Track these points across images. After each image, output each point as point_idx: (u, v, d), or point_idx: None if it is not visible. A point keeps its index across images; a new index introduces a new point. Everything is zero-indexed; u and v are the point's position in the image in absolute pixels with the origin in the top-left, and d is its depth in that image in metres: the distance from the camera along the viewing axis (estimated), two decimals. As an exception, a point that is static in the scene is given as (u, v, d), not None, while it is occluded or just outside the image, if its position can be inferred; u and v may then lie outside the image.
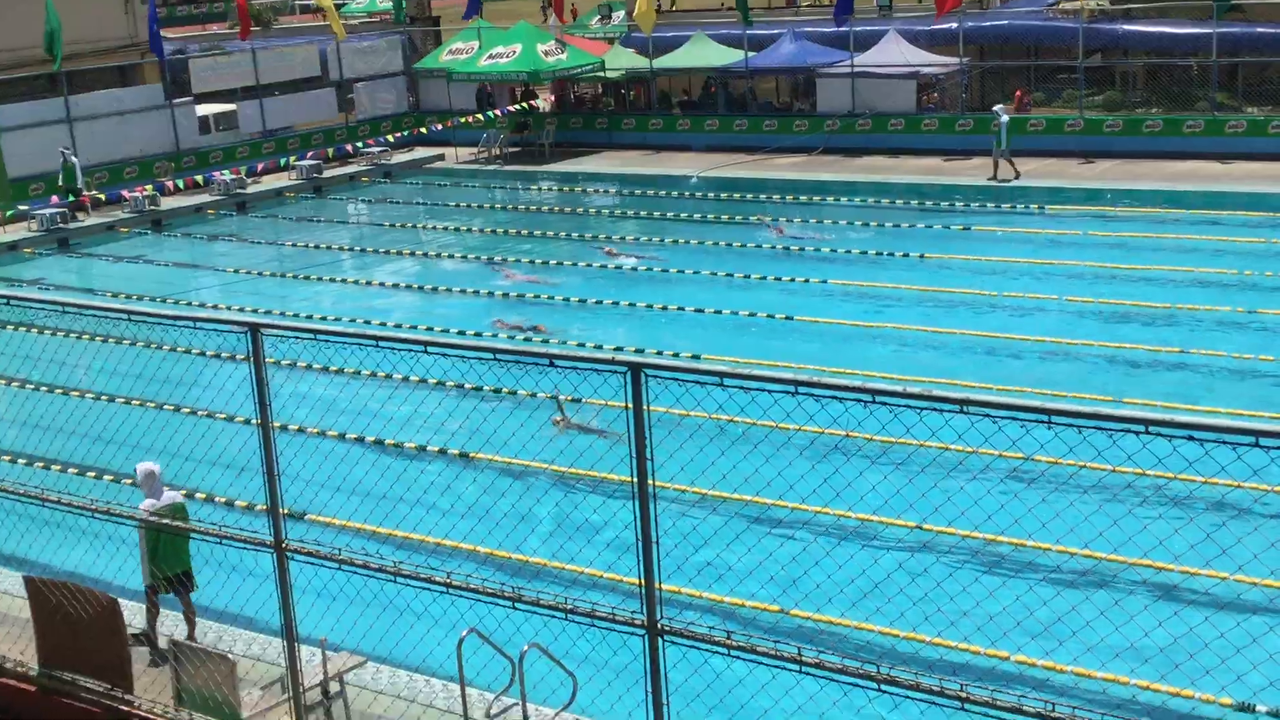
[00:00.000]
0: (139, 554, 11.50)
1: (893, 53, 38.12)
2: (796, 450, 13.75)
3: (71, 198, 35.03)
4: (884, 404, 6.79)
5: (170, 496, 11.54)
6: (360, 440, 17.61)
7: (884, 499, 12.29)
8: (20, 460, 17.27)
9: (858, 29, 38.55)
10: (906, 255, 26.74)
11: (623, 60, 43.39)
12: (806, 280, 25.09)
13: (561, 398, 17.24)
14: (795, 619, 11.95)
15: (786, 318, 22.72)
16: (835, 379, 6.93)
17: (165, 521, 10.60)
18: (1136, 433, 6.13)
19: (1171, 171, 32.37)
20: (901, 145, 37.36)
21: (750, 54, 40.25)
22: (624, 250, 29.09)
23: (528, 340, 21.92)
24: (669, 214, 32.86)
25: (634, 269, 27.30)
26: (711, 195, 34.73)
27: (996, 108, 33.77)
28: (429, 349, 8.18)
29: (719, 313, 23.33)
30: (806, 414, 7.50)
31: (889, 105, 37.94)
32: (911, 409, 6.72)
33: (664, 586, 7.64)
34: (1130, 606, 10.87)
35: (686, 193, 35.29)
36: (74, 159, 35.35)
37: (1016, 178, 32.51)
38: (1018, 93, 38.25)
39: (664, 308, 23.89)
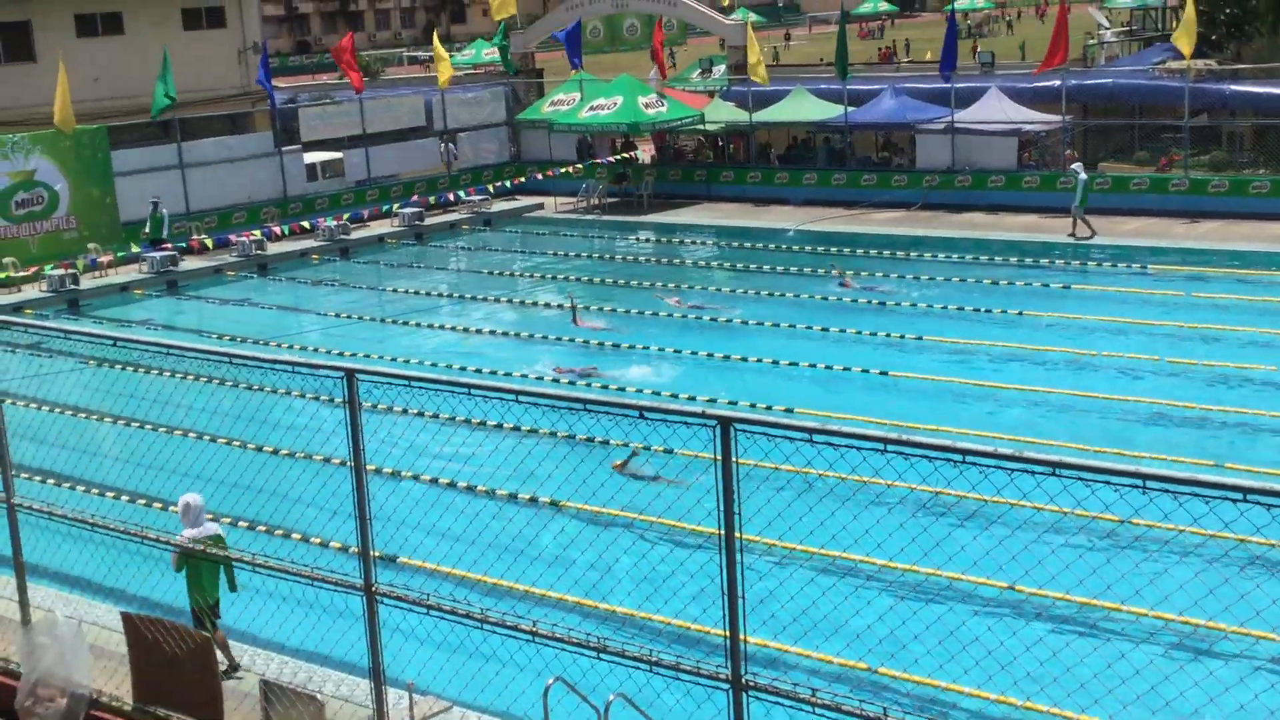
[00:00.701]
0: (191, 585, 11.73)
1: (994, 109, 37.91)
2: (885, 507, 13.65)
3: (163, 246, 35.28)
4: (974, 464, 6.73)
5: (210, 527, 11.79)
6: (452, 485, 17.75)
7: (974, 559, 12.13)
8: (123, 496, 17.63)
9: (959, 85, 38.41)
10: (1004, 312, 26.49)
11: (722, 113, 43.62)
12: (902, 336, 24.94)
13: (633, 446, 17.32)
14: (882, 677, 11.82)
15: (881, 373, 22.59)
16: (925, 438, 6.89)
17: (226, 554, 10.74)
18: (1233, 500, 6.02)
19: (1276, 233, 31.76)
20: (1001, 202, 37.09)
21: (850, 109, 40.26)
22: (694, 299, 29.23)
23: (589, 386, 22.00)
24: (765, 267, 32.85)
25: (705, 319, 27.30)
26: (808, 249, 34.69)
27: (1074, 167, 33.89)
28: (520, 397, 8.25)
29: (814, 366, 23.25)
30: (896, 471, 7.45)
31: (989, 162, 37.72)
32: (1002, 469, 6.65)
33: (748, 639, 7.61)
34: (1225, 676, 10.62)
35: (784, 246, 35.29)
36: (164, 210, 35.70)
37: (1091, 236, 32.69)
38: (1162, 159, 37.68)
39: (758, 360, 23.86)
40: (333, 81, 64.58)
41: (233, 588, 11.77)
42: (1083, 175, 33.14)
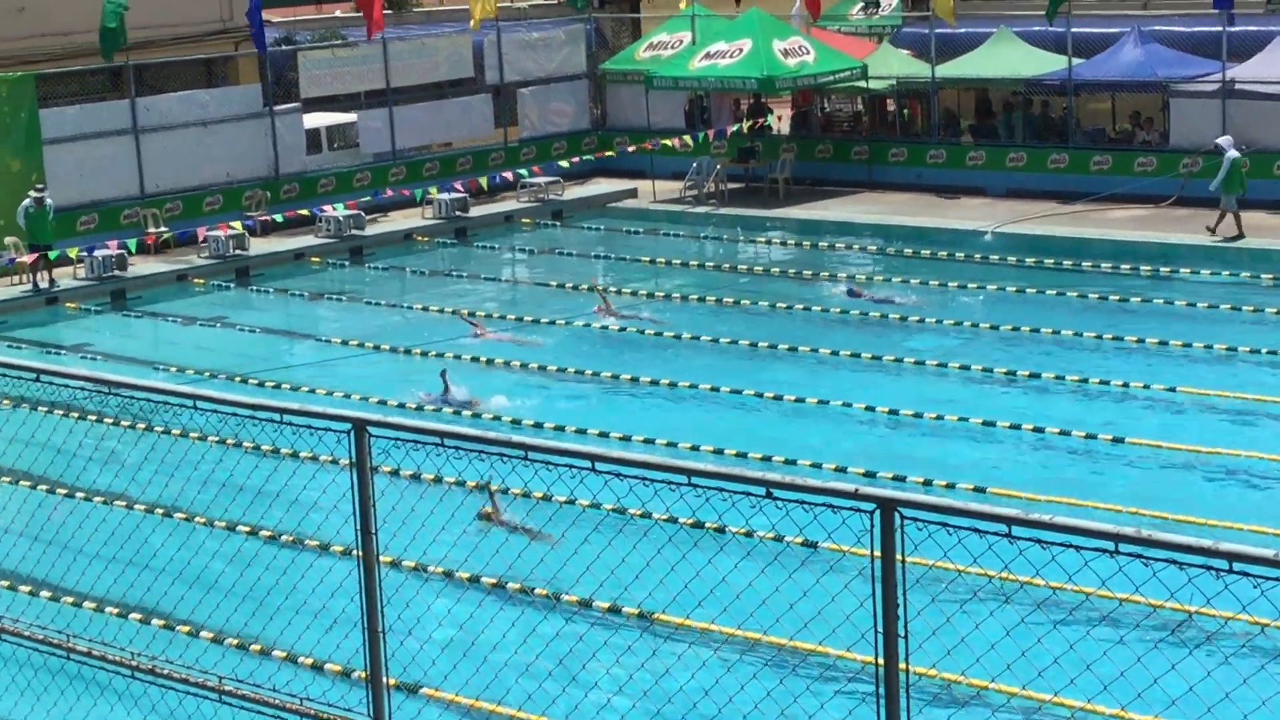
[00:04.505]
0: None
1: (1285, 63, 37.55)
2: (1117, 630, 13.47)
3: (46, 256, 34.04)
4: (1244, 574, 6.62)
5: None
6: (500, 587, 17.76)
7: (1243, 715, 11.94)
8: (43, 593, 17.83)
9: (1233, 30, 38.02)
10: (1296, 355, 26.18)
11: (894, 65, 43.52)
12: (1146, 386, 24.67)
13: (492, 488, 19.20)
14: None
15: (1115, 440, 22.34)
16: (1175, 534, 6.78)
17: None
18: None
19: None
20: (1294, 196, 36.71)
21: (1075, 61, 39.99)
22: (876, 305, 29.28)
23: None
24: (949, 284, 32.67)
25: (862, 358, 27.22)
26: (1014, 260, 34.43)
27: (1220, 140, 34.60)
28: (597, 465, 8.21)
29: (1015, 427, 23.06)
30: (1131, 582, 7.35)
31: (1277, 139, 37.23)
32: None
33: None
34: None
35: (976, 254, 35.06)
36: (50, 201, 34.57)
37: (1239, 237, 34.05)
38: None
39: (937, 418, 23.70)
40: (346, 15, 65.35)
41: None
42: (1232, 153, 33.83)
